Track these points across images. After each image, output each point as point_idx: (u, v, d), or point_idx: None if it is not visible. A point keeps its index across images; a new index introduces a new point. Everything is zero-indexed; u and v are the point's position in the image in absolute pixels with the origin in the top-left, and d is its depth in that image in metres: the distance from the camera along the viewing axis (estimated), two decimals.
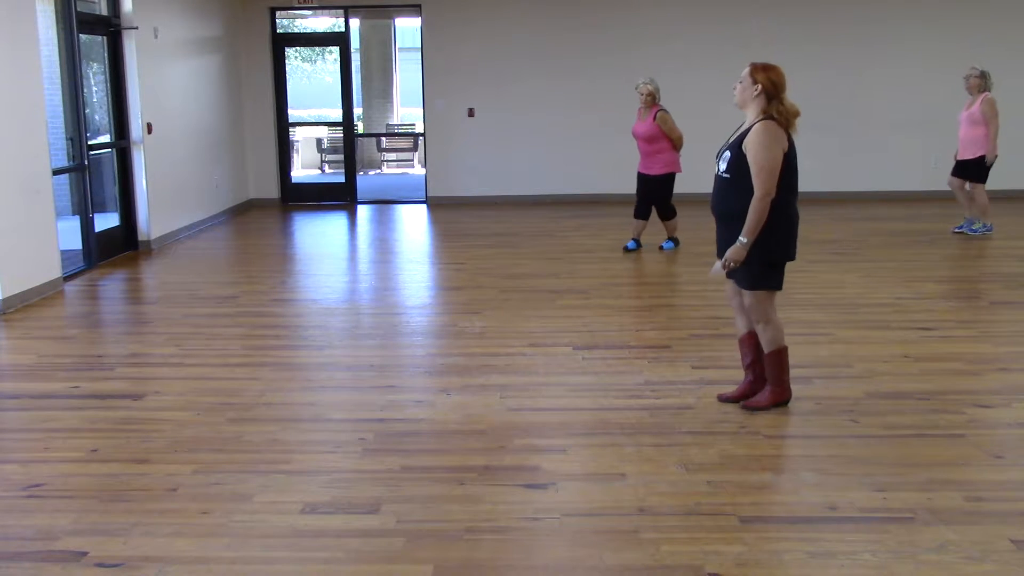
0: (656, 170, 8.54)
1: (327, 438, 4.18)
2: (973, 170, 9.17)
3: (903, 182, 12.24)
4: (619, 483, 3.61)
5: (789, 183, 4.09)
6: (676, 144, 8.47)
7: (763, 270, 4.17)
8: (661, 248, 8.78)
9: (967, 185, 9.30)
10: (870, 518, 3.29)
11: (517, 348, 5.51)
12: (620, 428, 4.18)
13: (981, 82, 9.03)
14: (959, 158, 9.30)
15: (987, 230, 9.23)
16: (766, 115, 4.08)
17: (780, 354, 4.29)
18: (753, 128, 4.09)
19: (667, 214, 8.74)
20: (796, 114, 4.11)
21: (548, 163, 12.47)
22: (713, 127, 10.52)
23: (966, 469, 3.73)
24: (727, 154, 4.19)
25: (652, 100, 8.41)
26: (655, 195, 8.64)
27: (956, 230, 9.45)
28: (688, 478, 3.64)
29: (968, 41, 11.78)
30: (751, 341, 4.41)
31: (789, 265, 4.29)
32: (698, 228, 9.58)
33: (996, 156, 9.06)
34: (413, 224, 11.26)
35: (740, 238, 4.06)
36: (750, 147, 4.05)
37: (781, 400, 4.35)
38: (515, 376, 4.98)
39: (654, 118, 8.37)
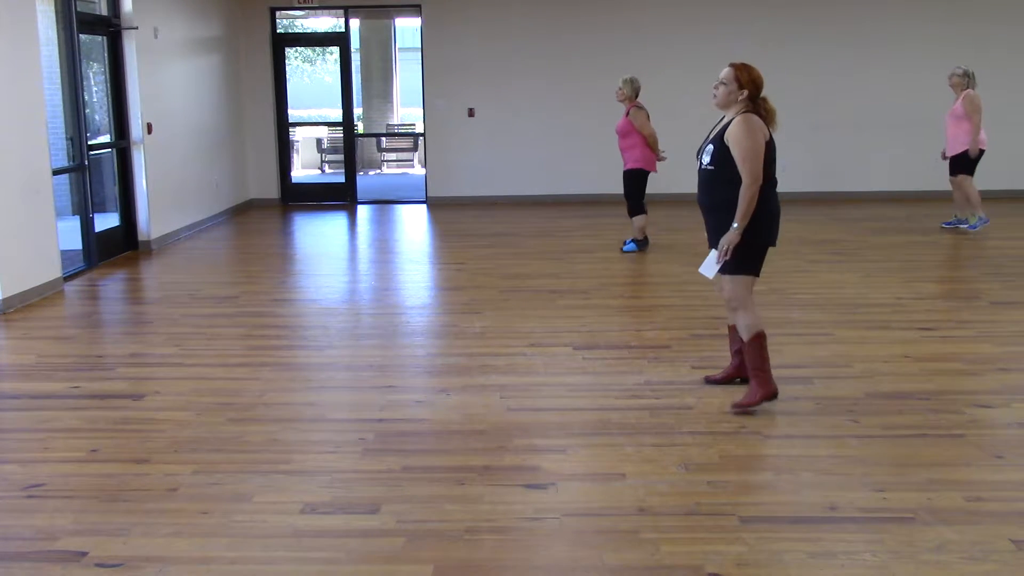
0: (627, 165, 8.57)
1: (327, 438, 4.18)
2: (959, 164, 9.34)
3: (903, 182, 12.24)
4: (619, 483, 3.61)
5: (767, 175, 4.17)
6: (648, 141, 8.41)
7: (743, 255, 4.25)
8: (622, 250, 8.64)
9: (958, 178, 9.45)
10: (870, 518, 3.29)
11: (517, 348, 5.52)
12: (620, 428, 4.18)
13: (963, 80, 9.23)
14: (948, 155, 9.47)
15: (984, 223, 9.29)
16: (747, 110, 4.20)
17: (759, 339, 4.32)
18: (734, 121, 4.18)
19: (634, 210, 8.64)
20: (774, 112, 4.26)
21: (548, 163, 12.47)
22: (711, 127, 10.55)
23: (966, 469, 3.73)
24: (710, 147, 4.28)
25: (625, 97, 8.44)
26: (625, 189, 8.63)
27: (945, 224, 9.65)
28: (688, 478, 3.64)
29: (968, 41, 11.78)
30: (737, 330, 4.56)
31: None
32: (696, 228, 9.57)
33: (982, 151, 9.17)
34: (413, 224, 11.26)
35: (733, 224, 4.16)
36: (733, 138, 4.15)
37: (767, 395, 4.32)
38: (515, 376, 4.98)
39: (627, 114, 8.43)
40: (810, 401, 4.49)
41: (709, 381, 4.74)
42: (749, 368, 4.37)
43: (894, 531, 3.18)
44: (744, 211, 4.14)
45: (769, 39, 11.67)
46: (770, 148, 4.19)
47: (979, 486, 3.55)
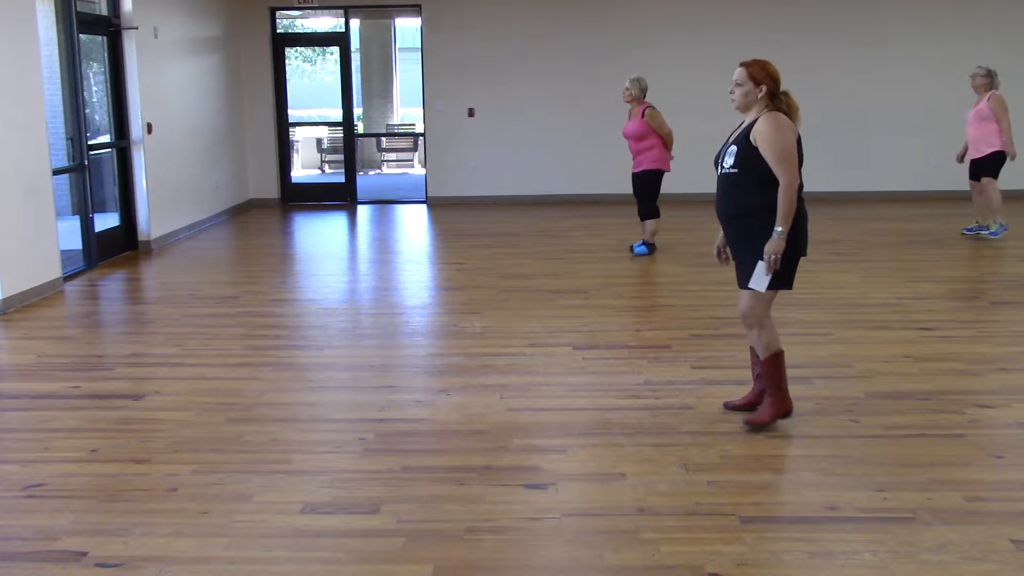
0: (644, 166, 8.34)
1: (327, 438, 4.18)
2: (986, 166, 8.89)
3: (903, 182, 12.25)
4: (619, 483, 3.61)
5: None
6: (666, 141, 8.24)
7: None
8: (631, 251, 8.47)
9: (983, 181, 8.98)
10: (870, 518, 3.29)
11: (517, 348, 5.51)
12: (620, 428, 4.18)
13: (987, 80, 8.82)
14: (971, 158, 9.02)
15: (1004, 229, 8.88)
16: (771, 108, 3.95)
17: (777, 358, 4.12)
18: (761, 119, 3.92)
19: (648, 214, 8.44)
20: (797, 108, 4.01)
21: (548, 163, 12.47)
22: (713, 127, 10.52)
23: (966, 469, 3.73)
24: (733, 148, 3.99)
25: (634, 98, 8.25)
26: (639, 191, 8.43)
27: (966, 231, 9.24)
28: (688, 478, 3.64)
29: (968, 41, 11.79)
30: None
31: None
32: (697, 228, 9.59)
33: (1015, 154, 8.76)
34: (413, 224, 11.26)
35: (776, 228, 3.87)
36: (762, 137, 3.88)
37: (782, 413, 4.16)
38: (515, 376, 4.97)
39: (642, 115, 8.20)
40: (810, 401, 4.49)
41: (729, 407, 4.39)
42: (765, 385, 4.17)
43: (894, 531, 3.18)
44: (785, 213, 3.85)
45: (770, 38, 11.64)
46: (799, 148, 3.94)
47: (979, 486, 3.55)
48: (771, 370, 4.14)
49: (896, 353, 5.30)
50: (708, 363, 5.13)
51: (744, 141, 3.95)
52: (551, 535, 3.23)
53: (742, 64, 4.01)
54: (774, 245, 3.89)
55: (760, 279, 3.98)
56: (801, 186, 3.98)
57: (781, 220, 3.87)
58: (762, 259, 3.94)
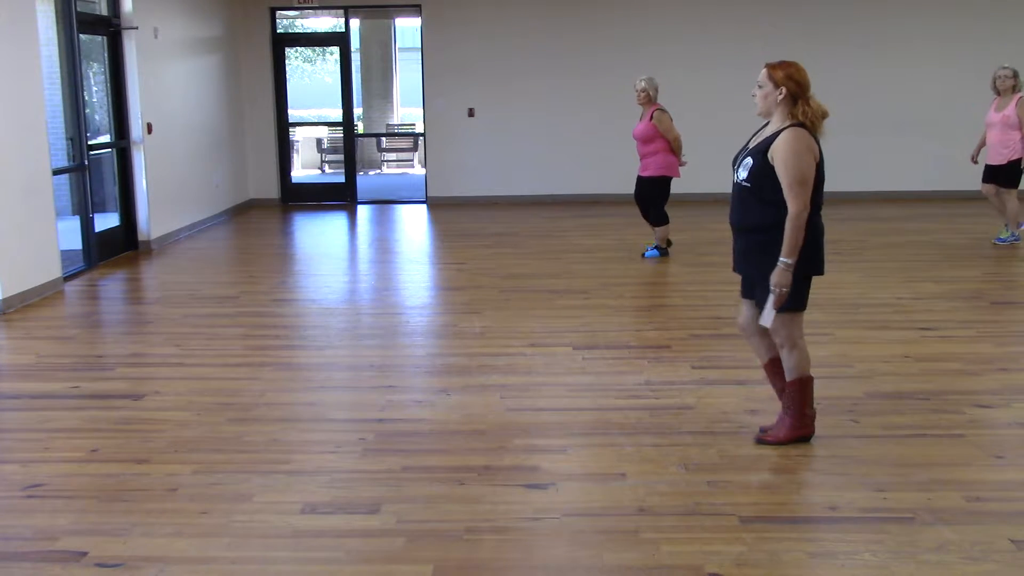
0: (650, 171, 8.16)
1: (327, 438, 4.18)
2: (1005, 175, 8.57)
3: (903, 182, 12.24)
4: (619, 483, 3.61)
5: (814, 200, 3.68)
6: (673, 146, 8.03)
7: (790, 290, 3.74)
8: (643, 256, 8.35)
9: (997, 189, 8.69)
10: (870, 518, 3.29)
11: (517, 348, 5.51)
12: (620, 428, 4.18)
13: (1015, 82, 8.38)
14: (990, 163, 8.67)
15: (1015, 239, 8.63)
16: (795, 120, 3.70)
17: (804, 383, 3.90)
18: (781, 136, 3.67)
19: (658, 219, 8.28)
20: (823, 115, 3.71)
21: (548, 163, 12.47)
22: (715, 127, 10.55)
23: (966, 469, 3.73)
24: (748, 160, 3.77)
25: (648, 99, 8.06)
26: (647, 197, 8.26)
27: (999, 241, 8.79)
28: (688, 478, 3.64)
29: (969, 41, 11.79)
30: (774, 368, 4.04)
31: None
32: (699, 228, 9.60)
33: None
34: (413, 224, 11.26)
35: (781, 259, 3.66)
36: (779, 158, 3.65)
37: (800, 436, 3.93)
38: (515, 376, 4.98)
39: (651, 118, 8.02)
40: None
41: (761, 439, 4.04)
42: (787, 406, 3.96)
43: (894, 531, 3.18)
44: (792, 244, 3.63)
45: (770, 38, 11.66)
46: (819, 170, 3.69)
47: (979, 486, 3.55)
48: (796, 394, 3.92)
49: (896, 353, 5.30)
50: (708, 363, 5.13)
51: (761, 156, 3.73)
52: (551, 535, 3.23)
53: (766, 65, 3.79)
54: (780, 277, 3.68)
55: (769, 314, 3.80)
56: (820, 205, 3.77)
57: (787, 251, 3.65)
58: (772, 291, 3.72)
